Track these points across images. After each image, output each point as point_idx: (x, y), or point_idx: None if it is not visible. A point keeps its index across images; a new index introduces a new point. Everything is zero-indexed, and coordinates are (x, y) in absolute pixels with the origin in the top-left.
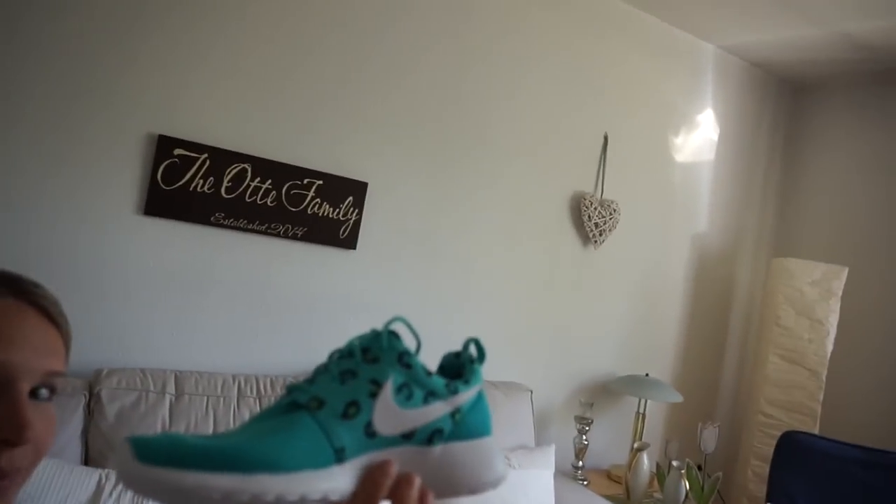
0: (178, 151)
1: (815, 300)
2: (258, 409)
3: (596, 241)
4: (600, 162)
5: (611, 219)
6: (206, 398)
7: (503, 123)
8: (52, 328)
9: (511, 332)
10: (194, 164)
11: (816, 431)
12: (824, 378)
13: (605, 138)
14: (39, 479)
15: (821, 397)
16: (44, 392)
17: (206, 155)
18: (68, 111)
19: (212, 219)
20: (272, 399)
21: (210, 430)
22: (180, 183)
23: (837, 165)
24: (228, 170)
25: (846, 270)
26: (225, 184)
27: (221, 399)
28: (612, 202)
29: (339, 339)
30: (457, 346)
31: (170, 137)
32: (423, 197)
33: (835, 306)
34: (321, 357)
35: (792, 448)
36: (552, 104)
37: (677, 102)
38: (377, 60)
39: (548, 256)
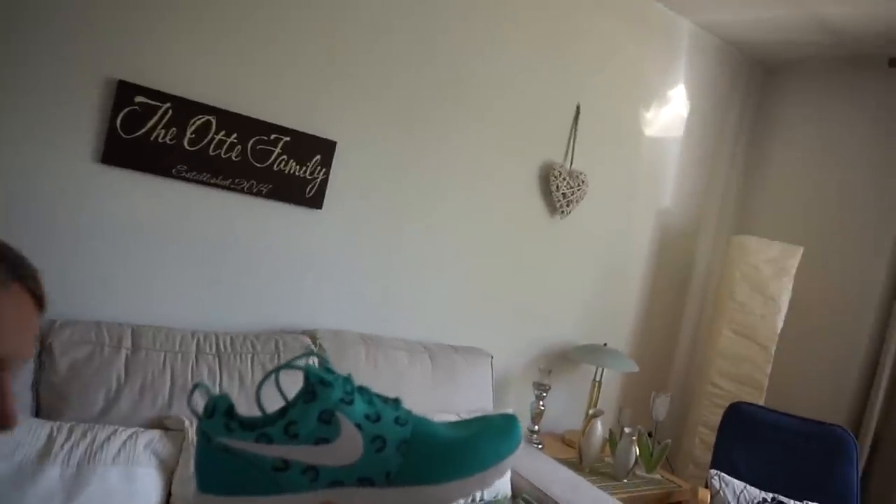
0: (139, 99)
1: (769, 277)
2: (217, 366)
3: (563, 212)
4: (571, 132)
5: (578, 190)
6: (163, 353)
7: (476, 89)
8: (38, 317)
9: (475, 297)
10: (156, 112)
11: (762, 403)
12: (773, 352)
13: (578, 109)
14: None
15: (768, 370)
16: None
17: (169, 104)
18: (22, 48)
19: (173, 171)
20: (231, 357)
21: (166, 387)
22: (141, 132)
23: (800, 148)
24: (192, 121)
25: (801, 250)
26: (188, 135)
27: (179, 355)
28: (581, 173)
29: (302, 299)
30: (423, 310)
31: (131, 84)
32: (392, 159)
33: (788, 284)
34: (282, 316)
35: (737, 417)
36: (526, 71)
37: (651, 76)
38: (352, 19)
39: (514, 224)
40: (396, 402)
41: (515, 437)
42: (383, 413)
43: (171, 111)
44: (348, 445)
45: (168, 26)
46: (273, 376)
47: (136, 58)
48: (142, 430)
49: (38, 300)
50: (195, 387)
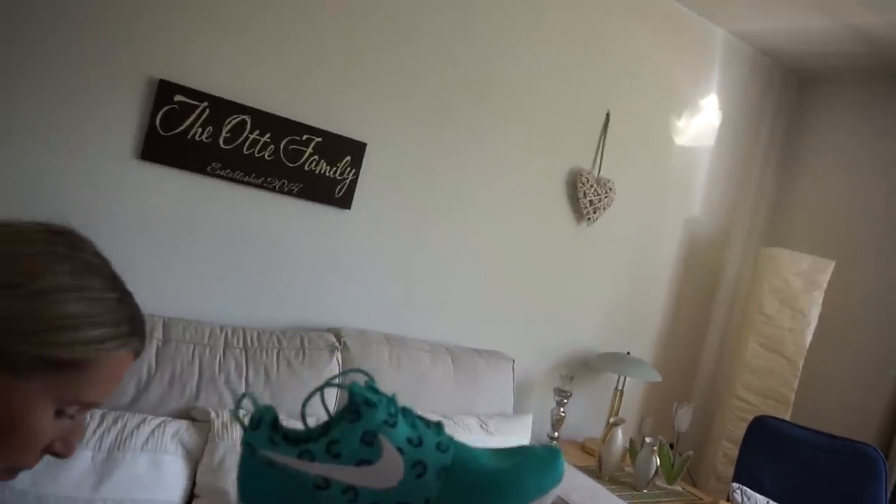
0: (178, 98)
1: (799, 291)
2: (243, 360)
3: (589, 219)
4: (600, 139)
5: (606, 197)
6: (192, 346)
7: (504, 91)
8: None
9: (499, 300)
10: (194, 111)
11: (788, 418)
12: (800, 367)
13: (608, 115)
14: None
15: (795, 385)
16: None
17: (206, 103)
18: (72, 49)
19: (208, 168)
20: (257, 351)
21: (194, 378)
22: (179, 130)
23: (834, 160)
24: (228, 120)
25: (832, 264)
26: (224, 134)
27: (208, 348)
28: (609, 181)
29: (327, 298)
30: (446, 311)
31: (171, 83)
32: (419, 160)
33: (818, 298)
34: (308, 313)
35: (762, 432)
36: (555, 75)
37: (682, 85)
38: (381, 22)
39: (540, 229)
40: (439, 426)
41: (559, 470)
42: (425, 437)
43: (207, 110)
44: (389, 469)
45: (208, 28)
46: (319, 391)
47: (176, 58)
48: (170, 419)
49: (137, 354)
50: (243, 396)
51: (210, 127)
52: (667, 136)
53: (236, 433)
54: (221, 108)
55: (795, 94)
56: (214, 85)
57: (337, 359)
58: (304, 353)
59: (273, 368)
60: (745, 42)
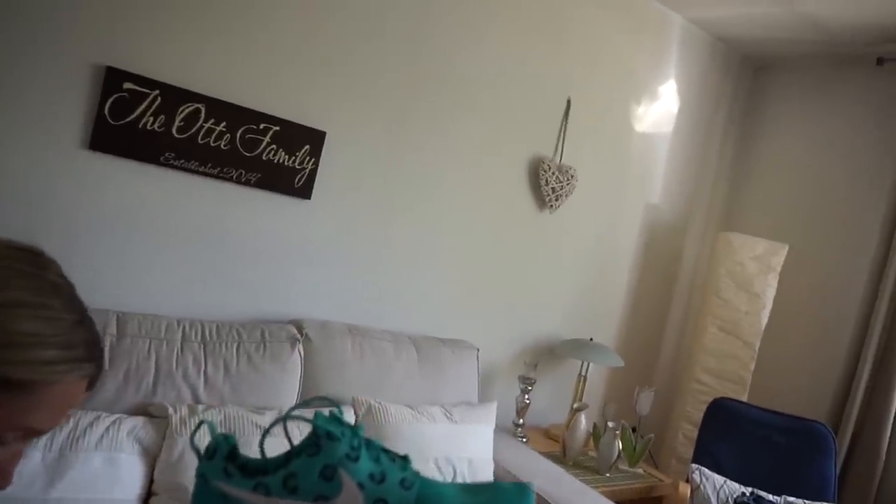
0: (127, 86)
1: (754, 274)
2: (202, 354)
3: (551, 206)
4: (561, 126)
5: (568, 184)
6: (148, 340)
7: (466, 81)
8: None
9: (463, 290)
10: (145, 99)
11: (745, 399)
12: (757, 349)
13: (568, 102)
14: None
15: (752, 367)
16: None
17: (157, 91)
18: (12, 34)
19: (161, 158)
20: (217, 345)
21: (151, 374)
22: (129, 119)
23: (788, 146)
24: (181, 109)
25: (786, 248)
26: (177, 123)
27: (164, 342)
28: (571, 168)
29: (289, 289)
30: (410, 302)
31: (120, 70)
32: (382, 150)
33: (772, 281)
34: (269, 306)
35: (719, 413)
36: (517, 64)
37: (641, 72)
38: (342, 9)
39: (503, 217)
40: (405, 460)
41: None
42: (389, 473)
43: (160, 98)
44: None
45: (160, 13)
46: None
47: (124, 44)
48: (125, 416)
49: (92, 383)
50: (199, 424)
51: (162, 116)
52: (626, 123)
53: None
54: (174, 96)
55: (751, 81)
56: (167, 72)
57: (299, 351)
58: (265, 345)
59: (233, 362)
60: (702, 29)
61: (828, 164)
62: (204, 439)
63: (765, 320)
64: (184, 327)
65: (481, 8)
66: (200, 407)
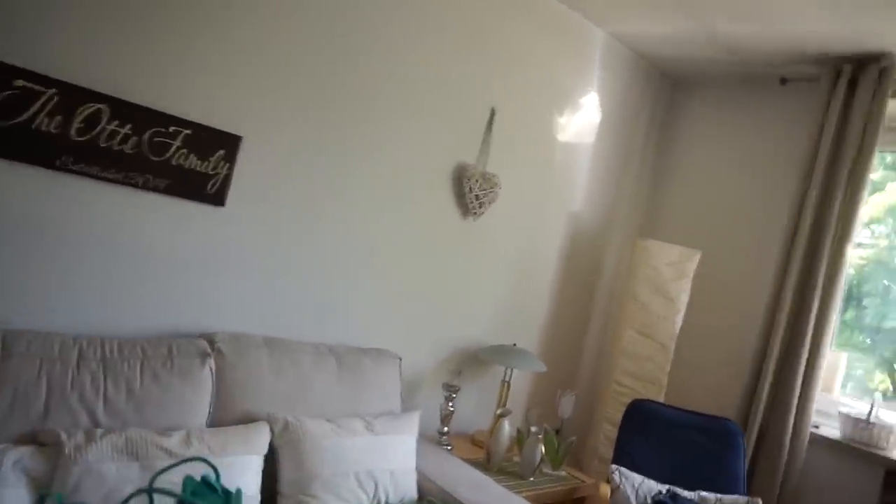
0: (19, 83)
1: (669, 280)
2: (101, 373)
3: (475, 213)
4: (486, 135)
5: (491, 192)
6: (38, 360)
7: (389, 88)
8: None
9: (385, 298)
10: (39, 98)
11: (662, 399)
12: (672, 351)
13: (492, 112)
14: None
15: (668, 368)
16: None
17: (54, 90)
18: None
19: (57, 162)
20: (118, 363)
21: (41, 398)
22: (20, 119)
23: (701, 158)
24: (81, 109)
25: (699, 254)
26: (76, 125)
27: (58, 362)
28: (494, 175)
29: (201, 302)
30: (331, 312)
31: (10, 66)
32: (301, 156)
33: (686, 286)
34: (181, 320)
35: (637, 414)
36: (441, 71)
37: (565, 83)
38: (259, 7)
39: (426, 225)
40: None
41: None
42: None
43: (56, 97)
44: None
45: (57, 6)
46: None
47: (18, 39)
48: (10, 446)
49: None
50: (43, 497)
51: (59, 116)
52: (550, 133)
53: (93, 454)
54: (73, 95)
55: (669, 96)
56: (65, 70)
57: (210, 367)
58: (172, 361)
59: (136, 381)
60: (623, 44)
61: (737, 175)
62: None
63: (679, 323)
64: (81, 345)
65: (406, 16)
66: (99, 431)
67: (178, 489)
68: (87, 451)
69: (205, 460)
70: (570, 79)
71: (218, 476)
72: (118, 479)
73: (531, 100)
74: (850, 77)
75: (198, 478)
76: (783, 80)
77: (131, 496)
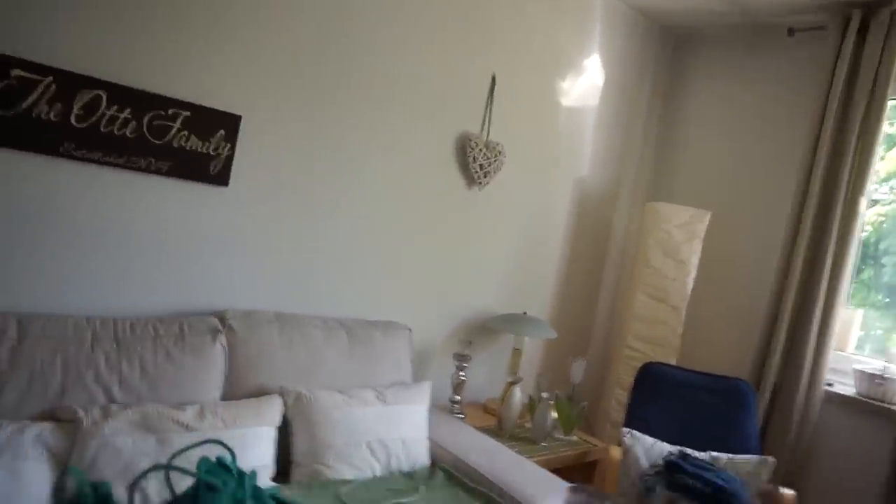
0: (16, 72)
1: (680, 242)
2: (116, 352)
3: (480, 183)
4: (487, 103)
5: (496, 161)
6: (54, 342)
7: (389, 60)
8: None
9: (393, 271)
10: (37, 87)
11: (675, 362)
12: (684, 314)
13: (493, 79)
14: None
15: (680, 331)
16: None
17: (51, 78)
18: None
19: (60, 149)
20: (131, 342)
21: (58, 377)
22: (20, 108)
23: (708, 116)
24: (79, 96)
25: (709, 214)
26: (75, 111)
27: (72, 343)
28: (498, 144)
29: (210, 280)
30: (340, 286)
31: (5, 56)
32: (303, 132)
33: (697, 247)
34: (191, 299)
35: (648, 377)
36: (440, 42)
37: (565, 46)
38: None
39: (432, 196)
40: None
41: None
42: None
43: (54, 86)
44: None
45: None
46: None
47: (11, 28)
48: (29, 423)
49: None
50: (65, 472)
51: (59, 104)
52: (553, 98)
53: (109, 428)
54: (70, 82)
55: (672, 53)
56: (61, 57)
57: (221, 343)
58: (183, 339)
59: (149, 359)
60: (622, 1)
61: (746, 132)
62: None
63: (691, 285)
64: (94, 326)
65: None
66: (115, 407)
67: (193, 468)
68: (103, 425)
69: (221, 443)
70: (570, 41)
71: (234, 458)
72: (134, 452)
73: (532, 65)
74: (859, 23)
75: (213, 459)
76: (790, 31)
77: (148, 471)
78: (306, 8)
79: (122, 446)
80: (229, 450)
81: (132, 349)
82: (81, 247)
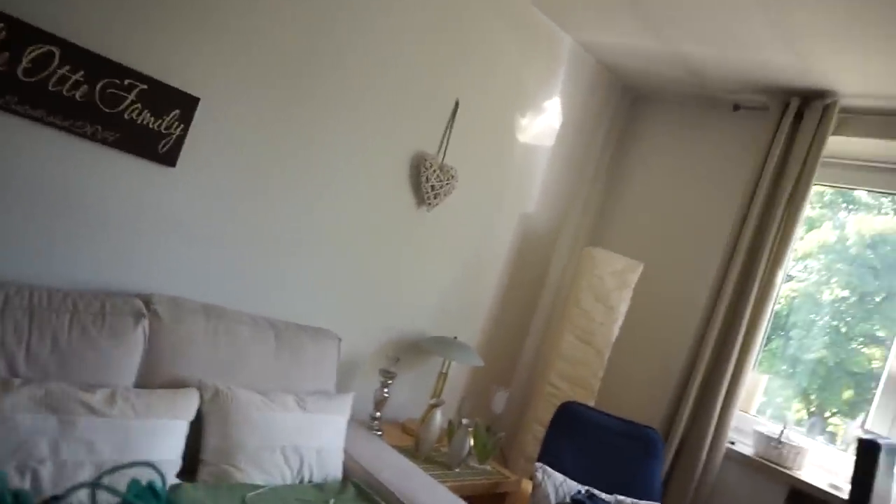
0: None
1: (611, 289)
2: (26, 323)
3: (430, 204)
4: (448, 126)
5: (447, 184)
6: None
7: (355, 68)
8: None
9: (332, 278)
10: None
11: (593, 404)
12: (606, 358)
13: (457, 104)
14: None
15: (601, 374)
16: None
17: (2, 25)
18: None
19: (1, 101)
20: (46, 314)
21: None
22: None
23: (654, 172)
24: (31, 49)
25: (641, 266)
26: (24, 64)
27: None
28: (452, 168)
29: (140, 261)
30: (276, 286)
31: None
32: (259, 127)
33: (626, 296)
34: (117, 276)
35: (566, 415)
36: (410, 57)
37: (530, 84)
38: None
39: (380, 210)
40: None
41: None
42: None
43: (4, 33)
44: None
45: None
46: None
47: None
48: None
49: None
50: None
51: (6, 53)
52: (511, 132)
53: (8, 403)
54: (23, 33)
55: (628, 109)
56: (17, 5)
57: (143, 328)
58: (103, 318)
59: (63, 334)
60: (590, 53)
61: (685, 193)
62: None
63: (616, 332)
64: (7, 292)
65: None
66: (17, 381)
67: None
68: (2, 398)
69: (153, 465)
70: (535, 81)
71: (164, 482)
72: (32, 432)
73: (495, 96)
74: (797, 110)
75: (143, 482)
76: (736, 107)
77: (75, 487)
78: (278, 5)
79: (21, 423)
80: (160, 474)
81: (45, 321)
82: (5, 203)
